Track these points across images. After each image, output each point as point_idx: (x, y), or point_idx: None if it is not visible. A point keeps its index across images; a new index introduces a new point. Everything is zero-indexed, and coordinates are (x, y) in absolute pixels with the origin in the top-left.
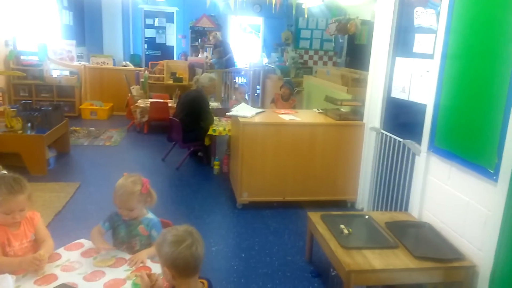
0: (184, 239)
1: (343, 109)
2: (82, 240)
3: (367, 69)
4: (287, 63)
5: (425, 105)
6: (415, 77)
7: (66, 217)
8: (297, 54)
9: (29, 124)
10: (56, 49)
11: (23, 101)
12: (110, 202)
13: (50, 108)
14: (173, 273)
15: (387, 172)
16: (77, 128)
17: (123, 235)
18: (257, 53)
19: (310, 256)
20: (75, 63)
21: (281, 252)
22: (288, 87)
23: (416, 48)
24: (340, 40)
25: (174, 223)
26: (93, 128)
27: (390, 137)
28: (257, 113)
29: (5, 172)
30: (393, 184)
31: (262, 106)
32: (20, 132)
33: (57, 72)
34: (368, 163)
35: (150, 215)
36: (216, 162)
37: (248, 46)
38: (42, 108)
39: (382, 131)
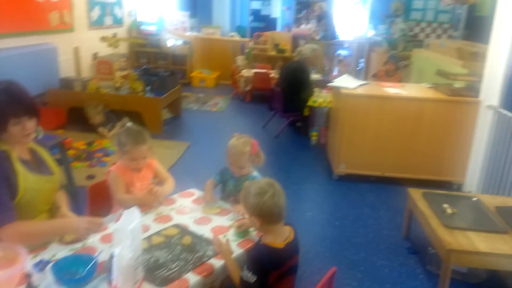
0: (267, 191)
1: (457, 84)
2: (193, 190)
3: (487, 43)
4: (395, 36)
5: None
6: None
7: (178, 171)
8: (407, 27)
9: (148, 87)
10: (172, 20)
11: (144, 67)
12: (216, 160)
13: (167, 73)
14: (261, 221)
15: (502, 155)
16: (188, 93)
17: (231, 189)
18: (363, 25)
19: (407, 233)
20: (188, 33)
21: (377, 226)
22: (393, 63)
23: None
24: (458, 11)
25: None
26: (201, 95)
27: (510, 117)
28: (360, 85)
29: (130, 124)
30: (509, 168)
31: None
32: (141, 94)
33: (172, 41)
34: (481, 144)
35: (256, 173)
36: (314, 133)
37: (353, 17)
38: (160, 74)
39: (501, 110)
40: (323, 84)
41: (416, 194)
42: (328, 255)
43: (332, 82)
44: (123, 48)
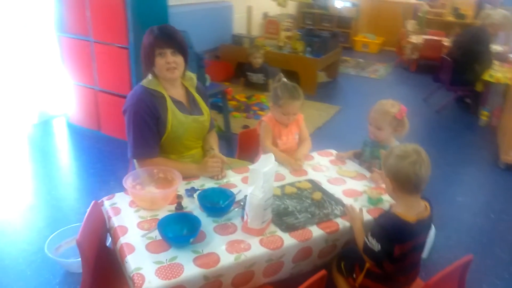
0: (410, 155)
1: None
2: (332, 150)
3: None
4: None
5: None
6: None
7: (323, 133)
8: None
9: (309, 48)
10: None
11: (307, 27)
12: (363, 128)
13: (328, 35)
14: (394, 185)
15: None
16: (347, 58)
17: (367, 154)
18: None
19: None
20: None
21: None
22: None
23: None
24: None
25: None
26: (361, 60)
27: None
28: None
29: (285, 80)
30: None
31: None
32: (301, 54)
33: (340, 3)
34: None
35: (397, 144)
36: (485, 113)
37: None
38: (322, 35)
39: None
40: (504, 58)
41: None
42: (472, 246)
43: None
44: (291, 9)
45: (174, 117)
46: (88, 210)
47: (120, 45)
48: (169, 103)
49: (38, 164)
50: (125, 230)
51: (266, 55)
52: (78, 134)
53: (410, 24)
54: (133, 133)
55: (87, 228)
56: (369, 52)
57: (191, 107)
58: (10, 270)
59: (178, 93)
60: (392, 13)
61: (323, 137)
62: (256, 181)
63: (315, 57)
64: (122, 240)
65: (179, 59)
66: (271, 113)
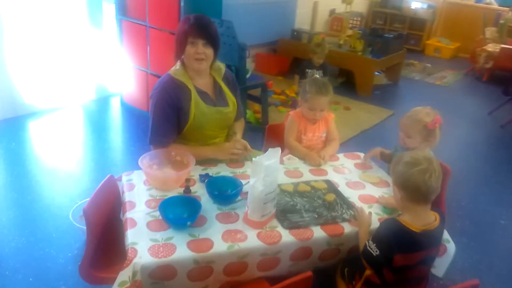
0: (420, 163)
1: None
2: (360, 153)
3: None
4: None
5: None
6: None
7: (369, 137)
8: None
9: (370, 48)
10: None
11: (372, 27)
12: None
13: (392, 36)
14: (402, 194)
15: None
16: (415, 62)
17: None
18: None
19: None
20: None
21: None
22: None
23: None
24: None
25: (459, 176)
26: (429, 65)
27: None
28: None
29: (317, 76)
30: None
31: None
32: (359, 53)
33: (416, 4)
34: None
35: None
36: None
37: None
38: (385, 36)
39: None
40: None
41: None
42: (505, 273)
43: None
44: (360, 7)
45: (197, 108)
46: (102, 182)
47: (172, 31)
48: (194, 93)
49: (86, 137)
50: (133, 205)
51: None
52: (129, 113)
53: (490, 32)
54: (152, 120)
55: (97, 199)
56: (441, 57)
57: (216, 98)
58: (38, 231)
59: (205, 83)
60: (471, 18)
61: (366, 141)
62: (258, 174)
63: (374, 58)
64: (128, 214)
65: (209, 51)
66: (299, 108)
